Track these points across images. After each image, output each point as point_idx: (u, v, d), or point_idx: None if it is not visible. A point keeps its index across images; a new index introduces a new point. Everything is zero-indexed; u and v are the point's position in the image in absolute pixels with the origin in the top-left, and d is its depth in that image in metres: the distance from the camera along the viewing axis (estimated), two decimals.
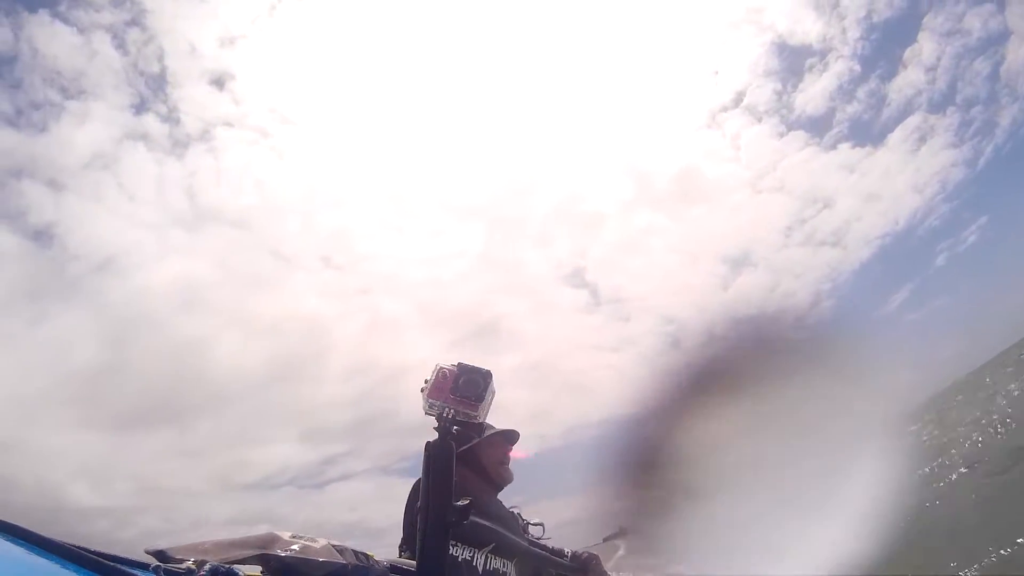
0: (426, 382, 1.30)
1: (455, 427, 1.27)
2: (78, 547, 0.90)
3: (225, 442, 33.27)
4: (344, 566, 1.11)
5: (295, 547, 1.08)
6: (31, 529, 0.90)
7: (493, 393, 1.33)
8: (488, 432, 1.80)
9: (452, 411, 1.27)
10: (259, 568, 1.03)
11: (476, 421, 1.28)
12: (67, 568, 0.85)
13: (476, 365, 1.32)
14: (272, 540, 1.08)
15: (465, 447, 1.67)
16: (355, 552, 1.20)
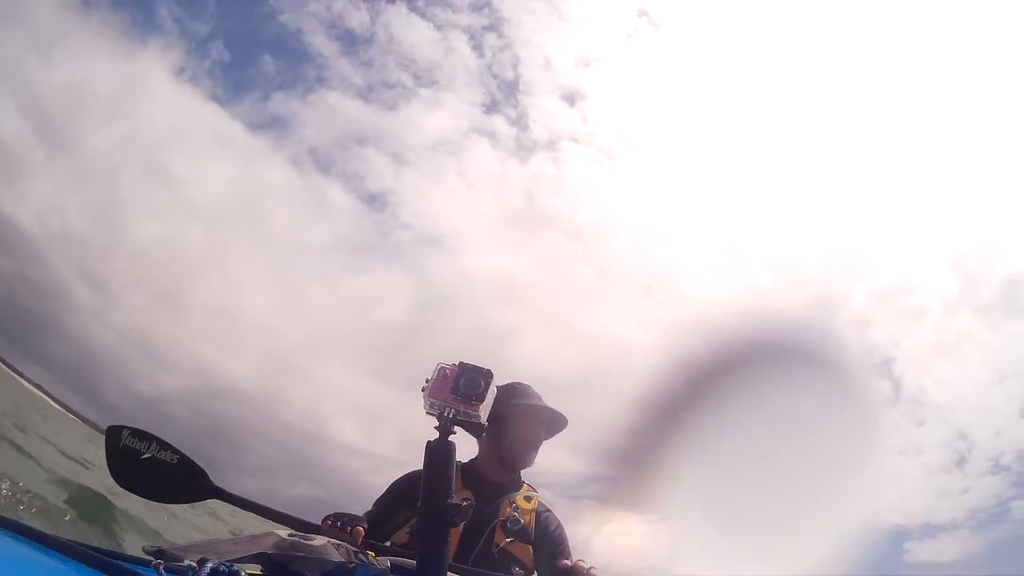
0: (427, 381, 1.29)
1: (454, 427, 1.26)
2: (79, 544, 0.90)
3: None
4: (343, 564, 1.11)
5: (294, 546, 1.09)
6: (33, 527, 0.91)
7: (494, 393, 1.31)
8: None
9: (453, 411, 1.26)
10: (259, 567, 1.04)
11: (477, 421, 1.27)
12: (68, 565, 0.86)
13: (478, 365, 1.30)
14: (271, 539, 1.09)
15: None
16: (354, 550, 1.20)
